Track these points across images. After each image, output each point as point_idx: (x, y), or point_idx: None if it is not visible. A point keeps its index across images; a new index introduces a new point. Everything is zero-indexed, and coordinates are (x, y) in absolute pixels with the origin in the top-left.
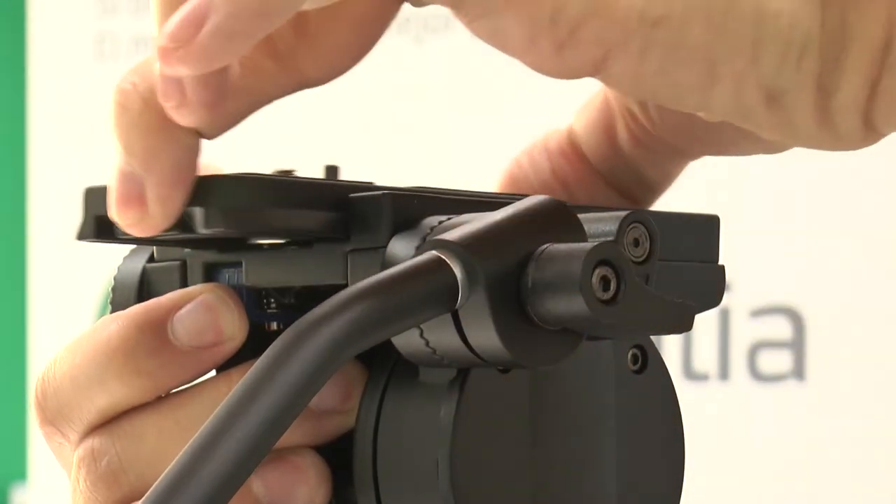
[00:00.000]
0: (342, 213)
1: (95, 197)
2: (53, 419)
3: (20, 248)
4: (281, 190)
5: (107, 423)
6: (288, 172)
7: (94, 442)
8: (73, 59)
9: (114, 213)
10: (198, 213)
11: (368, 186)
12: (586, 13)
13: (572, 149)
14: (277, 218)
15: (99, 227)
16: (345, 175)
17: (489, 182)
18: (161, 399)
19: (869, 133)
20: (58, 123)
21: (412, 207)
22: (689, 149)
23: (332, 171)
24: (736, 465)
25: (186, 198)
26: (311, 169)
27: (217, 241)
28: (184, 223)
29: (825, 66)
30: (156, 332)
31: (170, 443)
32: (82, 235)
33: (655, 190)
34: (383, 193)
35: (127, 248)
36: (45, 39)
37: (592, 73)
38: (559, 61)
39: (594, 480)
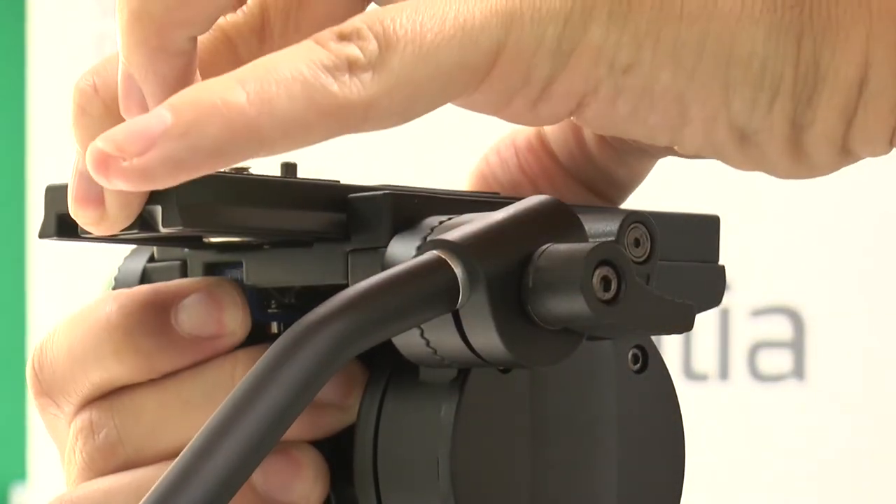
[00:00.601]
0: (302, 211)
1: (56, 195)
2: (49, 390)
3: (20, 248)
4: (239, 188)
5: (105, 395)
6: (242, 170)
7: (92, 414)
8: (73, 59)
9: (73, 211)
10: (157, 211)
11: (331, 184)
12: (557, 69)
13: (541, 146)
14: (236, 216)
15: (60, 226)
16: (302, 173)
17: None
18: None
19: (845, 158)
20: (58, 123)
21: (412, 207)
22: (656, 150)
23: (288, 168)
24: (736, 465)
25: (145, 197)
26: (267, 167)
27: (181, 239)
28: (143, 221)
29: (798, 105)
30: (159, 315)
31: (169, 418)
32: (44, 234)
33: (625, 188)
34: (384, 193)
35: (127, 248)
36: (45, 40)
37: (566, 117)
38: (533, 116)
39: (594, 480)
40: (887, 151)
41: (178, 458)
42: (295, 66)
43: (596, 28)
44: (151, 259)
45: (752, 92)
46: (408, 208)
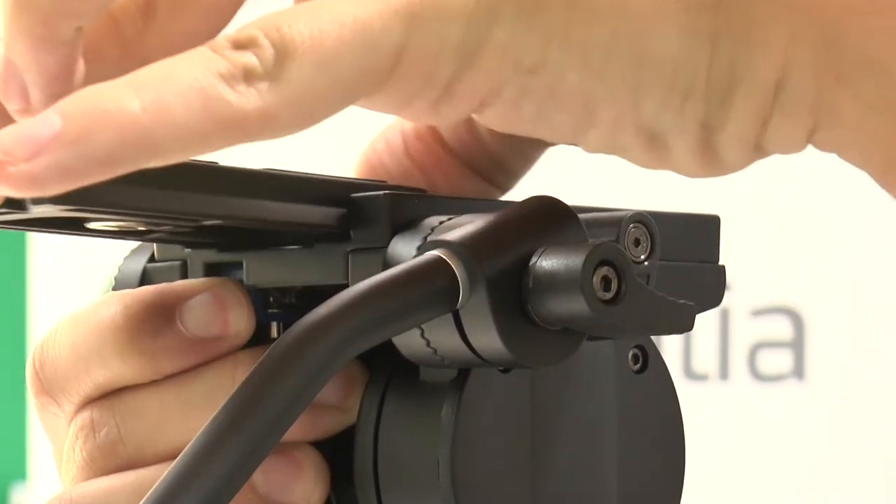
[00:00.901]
0: (184, 192)
1: None
2: (50, 389)
3: (20, 248)
4: None
5: (106, 395)
6: None
7: (93, 413)
8: None
9: None
10: None
11: (212, 166)
12: (461, 69)
13: (430, 133)
14: (110, 194)
15: None
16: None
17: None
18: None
19: (757, 156)
20: None
21: (413, 207)
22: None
23: None
24: (736, 465)
25: None
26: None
27: (60, 223)
28: (12, 201)
29: (710, 107)
30: (163, 316)
31: (170, 418)
32: None
33: (516, 174)
34: (384, 193)
35: (127, 248)
36: None
37: (468, 116)
38: (434, 116)
39: (594, 480)
40: (803, 149)
41: (177, 458)
42: (191, 74)
43: (501, 27)
44: (152, 259)
45: (663, 94)
46: (408, 208)
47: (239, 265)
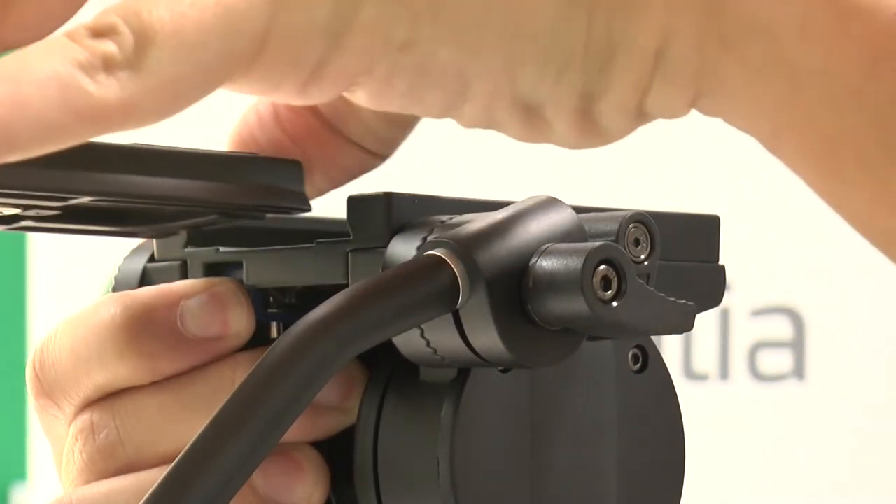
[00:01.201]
0: (61, 172)
1: None
2: (50, 391)
3: (20, 248)
4: None
5: (107, 397)
6: None
7: (93, 415)
8: None
9: None
10: None
11: (94, 145)
12: (329, 50)
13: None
14: None
15: None
16: None
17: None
18: (163, 378)
19: (639, 122)
20: None
21: (413, 207)
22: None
23: None
24: (736, 465)
25: None
26: None
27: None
28: None
29: (589, 77)
30: (163, 317)
31: (170, 420)
32: None
33: (394, 142)
34: (384, 193)
35: (127, 248)
36: None
37: (338, 96)
38: (303, 97)
39: (594, 480)
40: (686, 114)
41: (175, 459)
42: (48, 65)
43: (369, 5)
44: (151, 259)
45: (539, 66)
46: (408, 208)
47: (239, 265)
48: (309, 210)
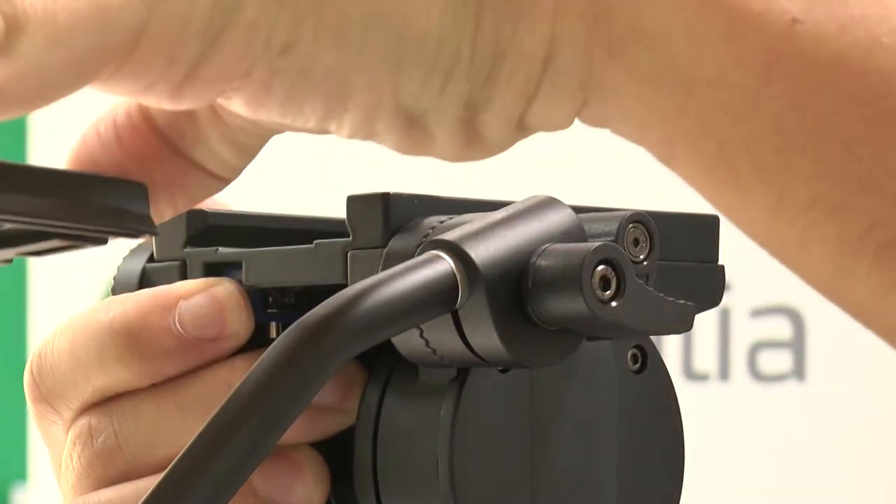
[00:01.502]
0: None
1: None
2: (48, 396)
3: None
4: None
5: (104, 401)
6: None
7: (91, 420)
8: None
9: None
10: None
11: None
12: (206, 50)
13: (146, 124)
14: None
15: None
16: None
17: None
18: (162, 381)
19: (521, 135)
20: (58, 122)
21: (412, 208)
22: (270, 126)
23: None
24: (736, 465)
25: None
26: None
27: None
28: None
29: (474, 85)
30: (161, 318)
31: (168, 424)
32: None
33: (237, 168)
34: (383, 193)
35: (127, 248)
36: None
37: (213, 101)
38: (176, 100)
39: (594, 480)
40: (568, 126)
41: (174, 461)
42: None
43: (250, 4)
44: (151, 259)
45: (424, 74)
46: (407, 208)
47: (238, 265)
48: (156, 234)
